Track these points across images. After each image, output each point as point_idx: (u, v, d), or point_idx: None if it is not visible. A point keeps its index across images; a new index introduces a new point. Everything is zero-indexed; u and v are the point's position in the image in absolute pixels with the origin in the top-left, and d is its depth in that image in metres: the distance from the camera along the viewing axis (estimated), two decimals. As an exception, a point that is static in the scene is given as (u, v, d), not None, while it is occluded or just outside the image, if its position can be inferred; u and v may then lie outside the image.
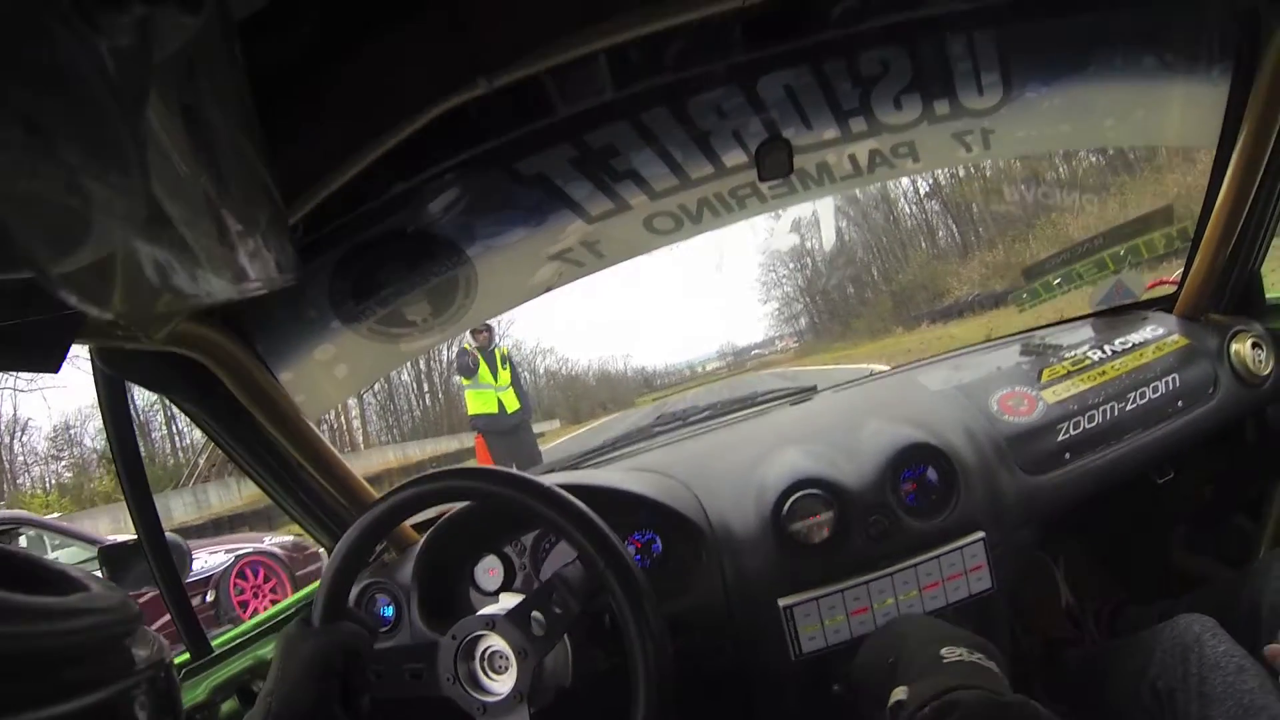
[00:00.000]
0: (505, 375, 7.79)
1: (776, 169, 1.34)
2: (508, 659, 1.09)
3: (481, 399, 7.76)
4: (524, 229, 1.33)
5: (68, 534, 6.81)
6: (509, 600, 1.17)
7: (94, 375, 1.24)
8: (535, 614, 1.10)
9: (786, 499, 1.38)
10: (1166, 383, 1.55)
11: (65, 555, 6.38)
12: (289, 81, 0.91)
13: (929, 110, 1.35)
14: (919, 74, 1.29)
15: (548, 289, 1.45)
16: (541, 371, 43.60)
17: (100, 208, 0.42)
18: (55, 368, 0.95)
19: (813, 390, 1.86)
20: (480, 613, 1.14)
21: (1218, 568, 1.76)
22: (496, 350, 7.88)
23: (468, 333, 7.88)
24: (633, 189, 1.31)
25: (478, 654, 1.12)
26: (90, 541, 6.44)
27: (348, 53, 0.91)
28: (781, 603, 1.35)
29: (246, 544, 7.06)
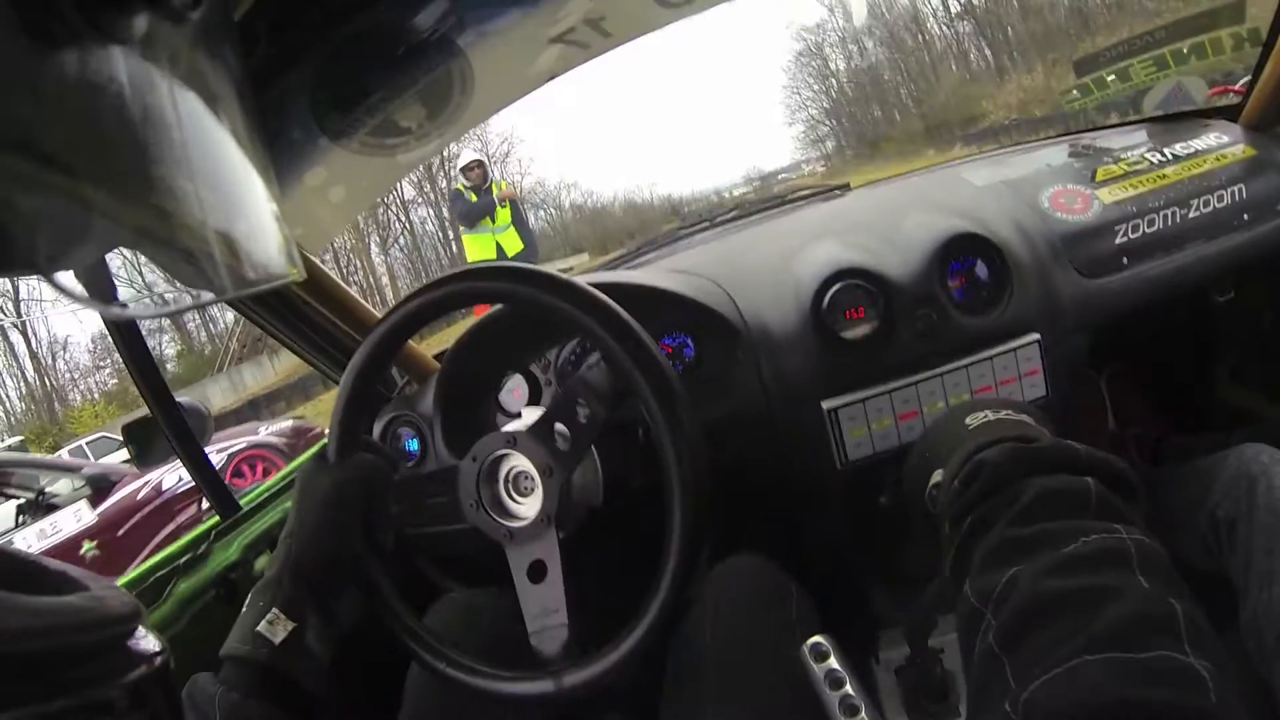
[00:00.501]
0: (504, 215, 7.32)
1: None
2: (533, 479, 1.03)
3: (479, 244, 7.32)
4: (519, 9, 1.17)
5: (54, 467, 6.96)
6: (531, 414, 1.10)
7: None
8: (558, 426, 1.03)
9: (826, 290, 1.29)
10: (1232, 193, 1.41)
11: (58, 487, 6.48)
12: None
13: None
14: None
15: (551, 76, 1.29)
16: (567, 206, 42.34)
17: (100, 208, 0.43)
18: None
19: (845, 187, 1.76)
20: (501, 430, 1.08)
21: (1265, 405, 1.68)
22: (493, 186, 7.33)
23: (459, 173, 7.52)
24: (639, -46, 1.14)
25: (501, 476, 1.07)
26: (74, 470, 6.59)
27: None
28: (825, 405, 1.29)
29: (240, 439, 7.09)
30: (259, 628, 0.87)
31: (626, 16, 1.23)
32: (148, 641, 0.54)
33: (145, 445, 1.55)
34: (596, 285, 1.01)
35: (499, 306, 1.43)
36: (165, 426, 1.39)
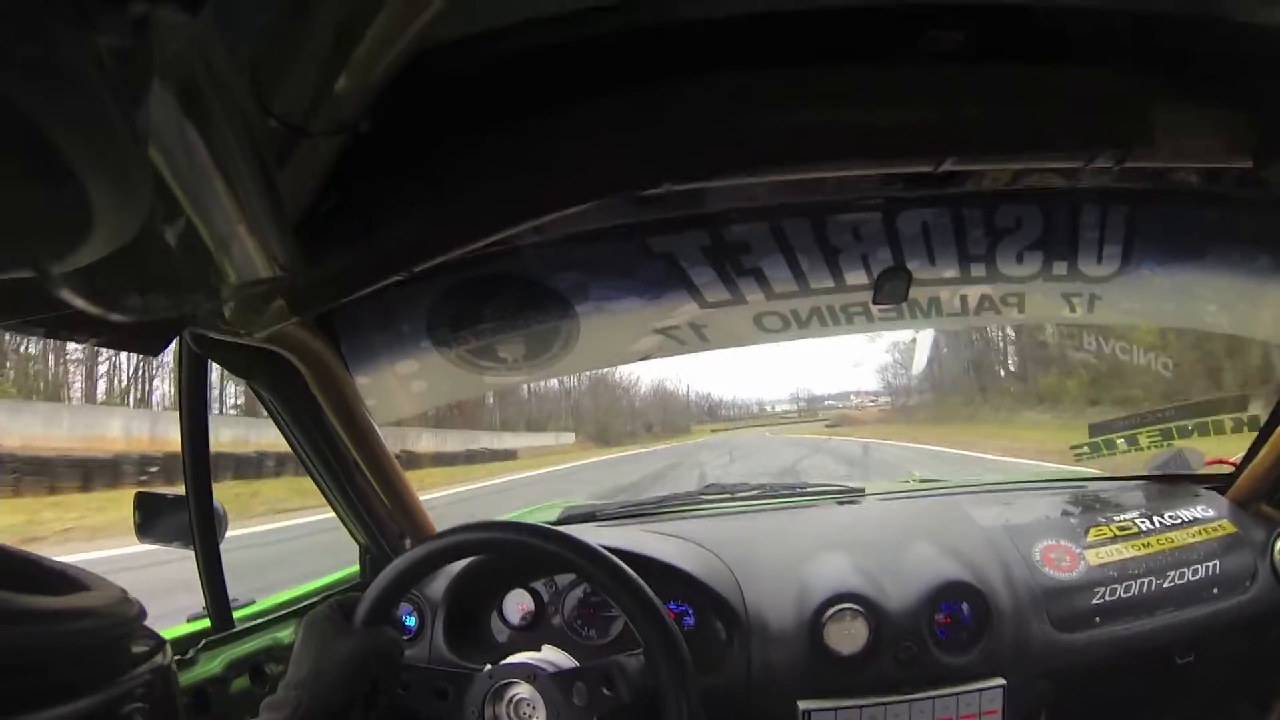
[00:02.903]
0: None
1: (893, 295, 1.38)
2: (535, 710, 1.11)
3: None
4: (639, 300, 1.36)
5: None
6: (553, 654, 1.19)
7: (180, 352, 1.26)
8: (579, 685, 1.11)
9: (828, 608, 1.40)
10: (1207, 568, 1.57)
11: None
12: (471, 130, 0.93)
13: (1047, 269, 1.38)
14: (1048, 234, 1.33)
15: (644, 358, 1.47)
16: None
17: (100, 208, 0.42)
18: (158, 351, 0.98)
19: (860, 493, 1.89)
20: (522, 659, 1.16)
21: None
22: None
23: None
24: (753, 285, 1.34)
25: (507, 697, 1.14)
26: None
27: (539, 116, 0.92)
28: (801, 705, 1.37)
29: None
30: None
31: (726, 330, 1.42)
32: (148, 642, 0.55)
33: (152, 519, 1.49)
34: (625, 552, 1.15)
35: None
36: (195, 514, 1.40)
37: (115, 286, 0.55)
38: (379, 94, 0.72)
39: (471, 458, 21.58)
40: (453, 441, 22.44)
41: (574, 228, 1.22)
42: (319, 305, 1.11)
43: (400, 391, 1.53)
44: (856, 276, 1.35)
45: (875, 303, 1.40)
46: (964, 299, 1.45)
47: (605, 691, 1.10)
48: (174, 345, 1.24)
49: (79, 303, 0.50)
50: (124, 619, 0.52)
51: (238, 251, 0.72)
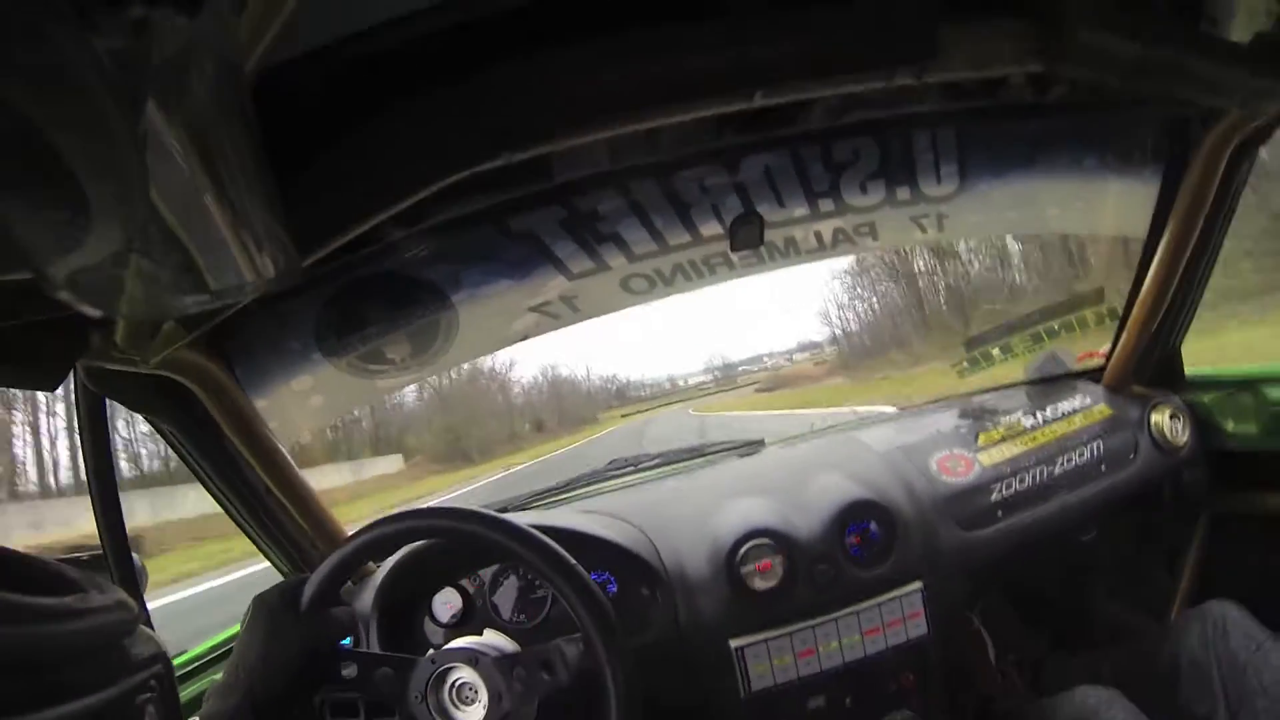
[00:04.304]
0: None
1: (748, 241, 1.44)
2: (478, 693, 1.14)
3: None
4: (508, 281, 1.40)
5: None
6: (494, 638, 1.22)
7: (77, 392, 1.26)
8: (519, 670, 1.14)
9: (740, 547, 1.46)
10: (1092, 448, 1.69)
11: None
12: (316, 130, 0.94)
13: (891, 195, 1.46)
14: (885, 162, 1.40)
15: (523, 338, 1.52)
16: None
17: (98, 209, 0.42)
18: (54, 386, 0.99)
19: (760, 444, 1.96)
20: (465, 643, 1.18)
21: (1139, 617, 1.91)
22: None
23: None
24: (614, 251, 1.39)
25: (449, 681, 1.16)
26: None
27: (379, 108, 0.95)
28: (733, 643, 1.44)
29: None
30: None
31: (595, 298, 1.47)
32: (148, 644, 0.55)
33: None
34: (543, 527, 1.18)
35: None
36: (114, 568, 1.38)
37: (109, 287, 0.55)
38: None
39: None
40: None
41: (434, 219, 1.25)
42: (208, 320, 1.11)
43: (299, 408, 1.54)
44: (710, 228, 1.41)
45: (733, 250, 1.46)
46: (818, 235, 1.52)
47: (545, 675, 1.13)
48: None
49: (79, 303, 0.50)
50: (124, 619, 0.53)
51: (220, 255, 0.70)
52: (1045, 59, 1.06)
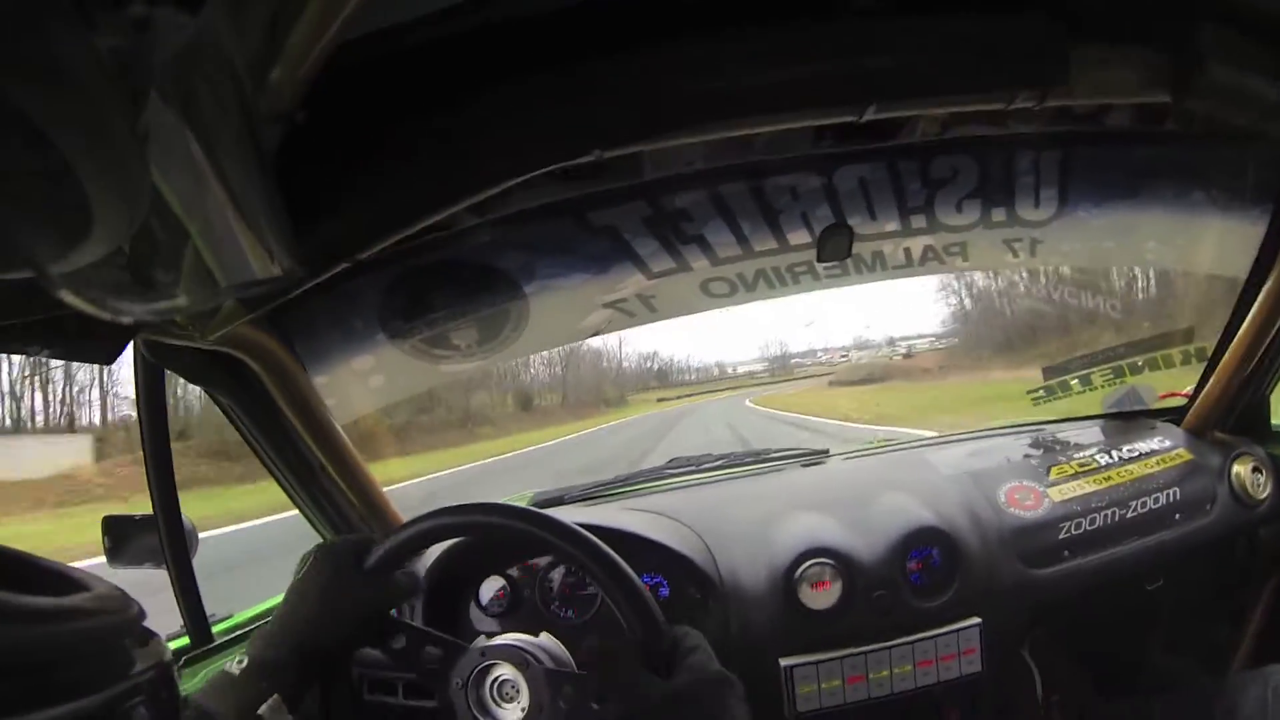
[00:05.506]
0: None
1: (836, 252, 1.40)
2: (518, 696, 1.09)
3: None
4: (585, 275, 1.37)
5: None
6: (549, 642, 1.15)
7: (135, 361, 1.25)
8: (568, 688, 1.09)
9: (800, 564, 1.42)
10: (1168, 495, 1.61)
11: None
12: (400, 109, 0.93)
13: (986, 216, 1.41)
14: (984, 181, 1.35)
15: (595, 333, 1.49)
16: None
17: (100, 208, 0.41)
18: (110, 360, 0.97)
19: (825, 454, 1.91)
20: (515, 641, 1.13)
21: (1195, 673, 1.83)
22: None
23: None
24: (696, 252, 1.35)
25: (493, 676, 1.12)
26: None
27: (467, 97, 0.93)
28: (783, 662, 1.39)
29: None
30: (261, 711, 0.87)
31: (673, 299, 1.43)
32: (148, 644, 0.54)
33: (121, 542, 1.49)
34: (596, 528, 1.14)
35: None
36: (165, 532, 1.39)
37: (114, 287, 0.54)
38: (311, 86, 0.71)
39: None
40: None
41: (514, 207, 1.22)
42: (268, 301, 1.10)
43: (358, 388, 1.53)
44: (799, 236, 1.37)
45: (819, 260, 1.42)
46: (908, 251, 1.47)
47: (593, 706, 1.07)
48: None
49: (79, 303, 0.48)
50: (123, 619, 0.52)
51: (231, 250, 0.71)
52: (1174, 91, 1.01)
